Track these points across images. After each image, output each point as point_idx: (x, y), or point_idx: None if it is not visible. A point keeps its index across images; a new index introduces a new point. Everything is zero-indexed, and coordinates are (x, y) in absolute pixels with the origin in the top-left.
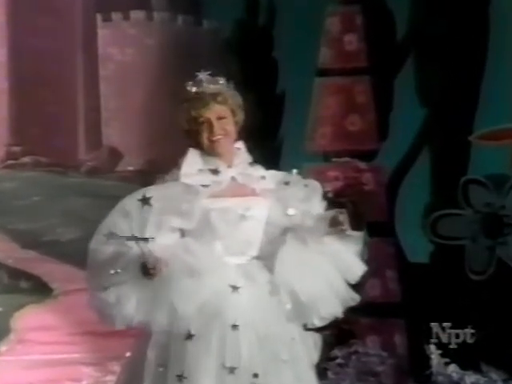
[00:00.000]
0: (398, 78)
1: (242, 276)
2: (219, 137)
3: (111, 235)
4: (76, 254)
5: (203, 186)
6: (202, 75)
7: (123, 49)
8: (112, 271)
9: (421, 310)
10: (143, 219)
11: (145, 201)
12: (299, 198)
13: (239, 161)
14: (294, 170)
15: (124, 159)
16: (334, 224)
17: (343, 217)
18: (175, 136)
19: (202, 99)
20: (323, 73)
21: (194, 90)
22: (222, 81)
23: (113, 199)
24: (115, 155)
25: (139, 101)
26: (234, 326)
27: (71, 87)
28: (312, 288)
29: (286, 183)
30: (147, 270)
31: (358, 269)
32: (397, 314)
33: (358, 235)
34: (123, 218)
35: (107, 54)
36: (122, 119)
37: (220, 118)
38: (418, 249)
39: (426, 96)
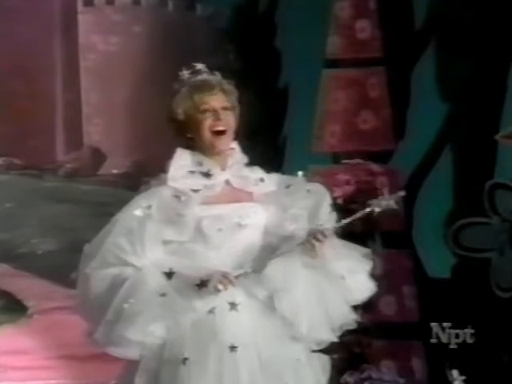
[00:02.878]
0: (417, 70)
1: (241, 291)
2: (223, 128)
3: (112, 256)
4: (54, 268)
5: (193, 190)
6: (200, 65)
7: (107, 37)
8: (125, 304)
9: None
10: (143, 232)
11: (146, 212)
12: (302, 206)
13: (233, 162)
14: (300, 173)
15: (108, 161)
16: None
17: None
18: (166, 134)
19: (207, 85)
20: (332, 64)
21: (196, 77)
22: (218, 74)
23: (95, 206)
24: (98, 156)
25: (125, 95)
26: (233, 348)
27: (48, 80)
28: (300, 307)
29: (288, 187)
30: (225, 280)
31: (364, 289)
32: (414, 336)
33: (367, 251)
34: (125, 236)
35: (89, 42)
36: (105, 116)
37: (224, 109)
38: (439, 262)
39: (447, 90)
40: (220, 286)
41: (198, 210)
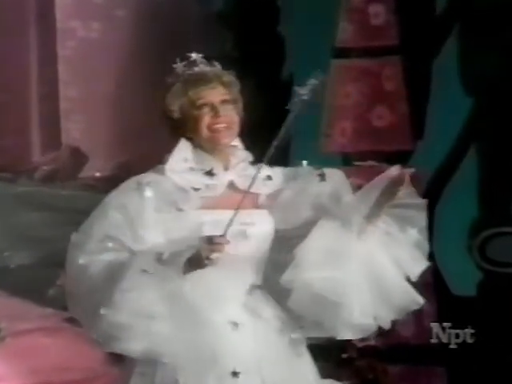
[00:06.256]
0: (437, 60)
1: (244, 310)
2: (223, 125)
3: (108, 239)
4: (28, 284)
5: (194, 189)
6: (196, 55)
7: (87, 22)
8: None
9: (465, 354)
10: (141, 208)
11: (142, 188)
12: (316, 192)
13: (237, 161)
14: (304, 162)
15: (89, 162)
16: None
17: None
18: (155, 132)
19: (203, 78)
20: (342, 53)
21: (190, 70)
22: (218, 65)
23: (75, 213)
24: (78, 157)
25: (108, 88)
26: (234, 374)
27: (22, 71)
28: (341, 281)
29: (295, 178)
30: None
31: (416, 264)
32: (436, 360)
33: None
34: (119, 213)
35: (67, 28)
36: (86, 111)
37: (224, 102)
38: (463, 278)
39: (472, 82)
40: (214, 255)
41: (197, 214)
